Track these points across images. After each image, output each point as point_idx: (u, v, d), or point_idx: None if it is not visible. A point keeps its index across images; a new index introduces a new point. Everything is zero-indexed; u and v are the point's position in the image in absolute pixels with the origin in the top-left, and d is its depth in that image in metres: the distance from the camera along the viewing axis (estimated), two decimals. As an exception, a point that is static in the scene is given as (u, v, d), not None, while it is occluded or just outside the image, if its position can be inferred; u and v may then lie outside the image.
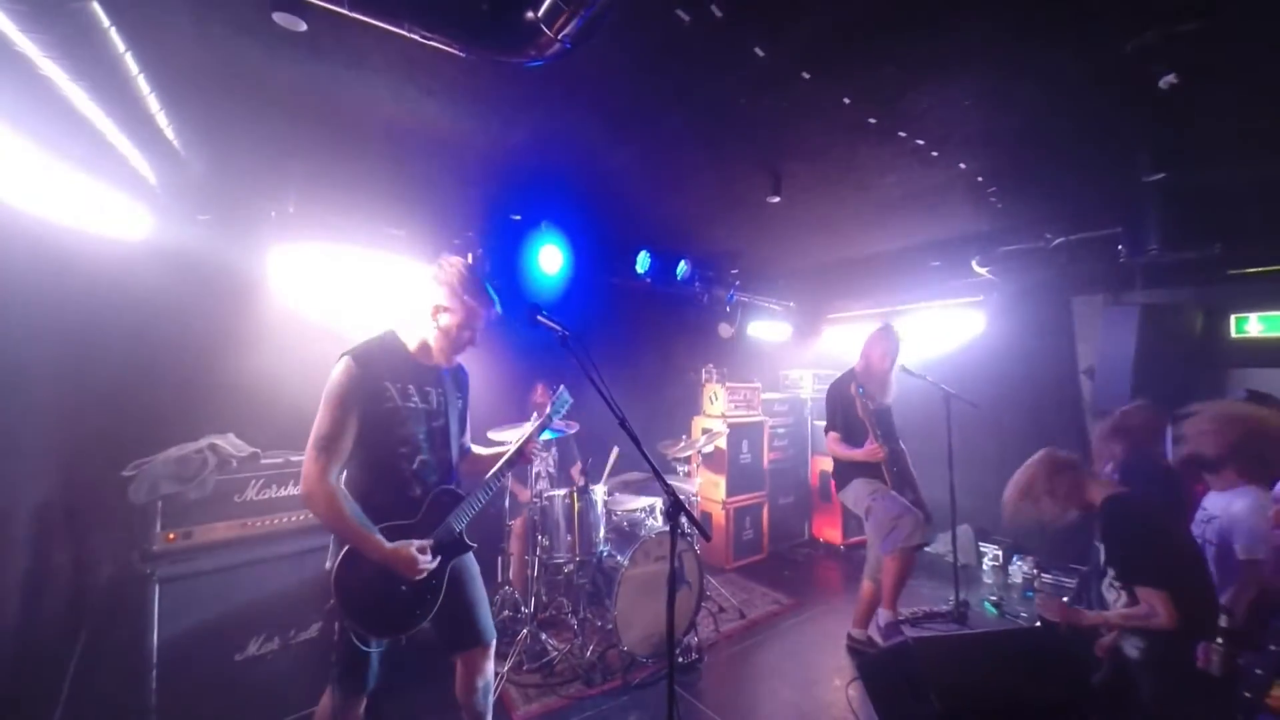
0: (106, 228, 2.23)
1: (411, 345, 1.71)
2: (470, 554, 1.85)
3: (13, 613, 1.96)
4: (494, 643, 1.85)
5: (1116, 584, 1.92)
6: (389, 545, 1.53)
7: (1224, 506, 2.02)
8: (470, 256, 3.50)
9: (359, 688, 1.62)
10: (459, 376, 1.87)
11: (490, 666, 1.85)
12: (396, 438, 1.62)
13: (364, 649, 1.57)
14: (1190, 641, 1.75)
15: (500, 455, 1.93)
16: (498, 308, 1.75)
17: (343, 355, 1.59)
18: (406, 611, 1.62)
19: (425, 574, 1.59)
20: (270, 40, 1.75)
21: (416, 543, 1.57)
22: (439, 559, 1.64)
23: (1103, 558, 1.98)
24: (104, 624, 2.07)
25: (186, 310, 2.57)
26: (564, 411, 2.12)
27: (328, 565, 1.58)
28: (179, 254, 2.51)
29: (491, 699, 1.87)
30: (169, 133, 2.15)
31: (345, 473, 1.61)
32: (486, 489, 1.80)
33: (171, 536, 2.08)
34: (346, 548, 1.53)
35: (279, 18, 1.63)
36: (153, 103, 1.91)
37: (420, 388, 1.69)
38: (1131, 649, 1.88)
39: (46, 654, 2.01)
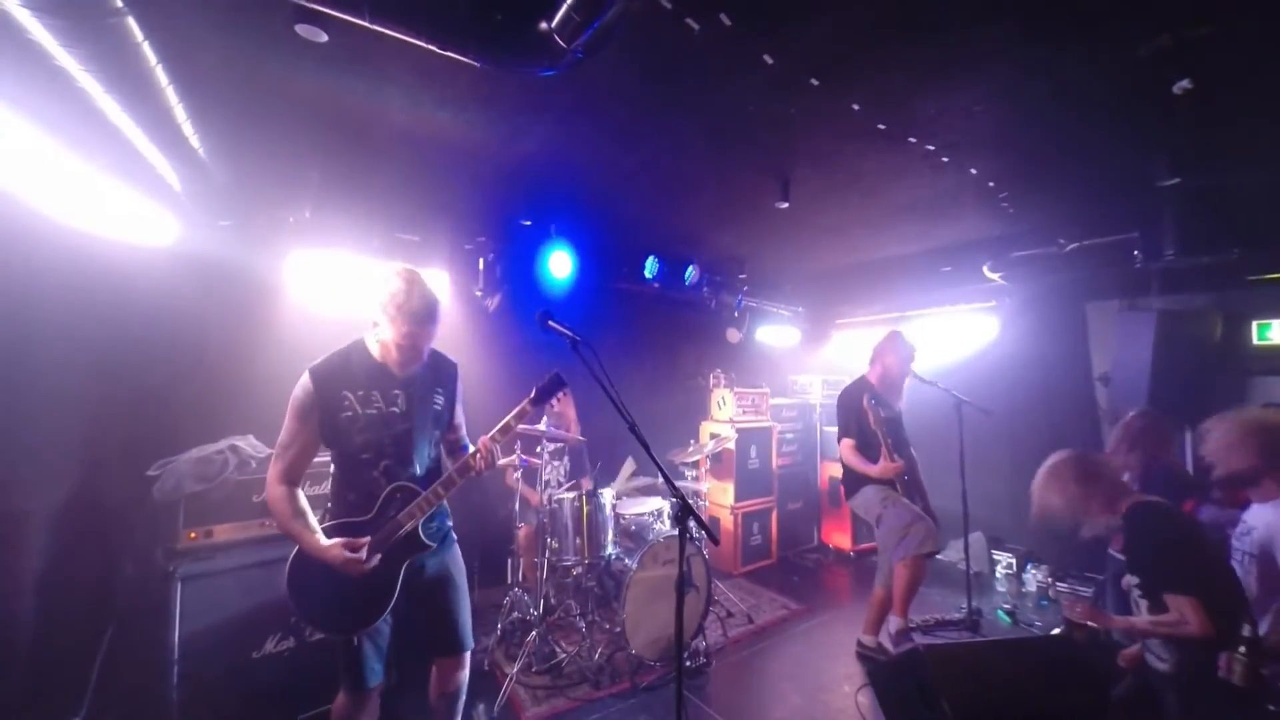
0: (133, 233, 2.31)
1: (375, 353, 1.72)
2: (451, 559, 1.85)
3: (43, 607, 2.02)
4: (468, 653, 1.85)
5: (1139, 591, 1.87)
6: (321, 543, 1.58)
7: (1264, 518, 1.96)
8: (481, 262, 3.55)
9: (358, 684, 1.68)
10: (438, 374, 1.83)
11: (463, 676, 1.85)
12: (357, 444, 1.67)
13: (353, 645, 1.65)
14: (1220, 653, 1.71)
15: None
16: (434, 327, 1.69)
17: (306, 369, 1.67)
18: (358, 610, 1.65)
19: (368, 571, 1.61)
20: (292, 51, 1.80)
21: (345, 540, 1.59)
22: (379, 556, 1.64)
23: (1125, 566, 1.94)
24: (130, 619, 2.12)
25: (208, 314, 2.65)
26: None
27: None
28: (201, 259, 2.58)
29: (460, 705, 1.87)
30: (194, 141, 2.21)
31: (331, 476, 1.76)
32: (444, 486, 1.74)
33: (193, 535, 2.14)
34: (298, 547, 1.63)
35: (301, 29, 1.68)
36: (180, 112, 1.98)
37: (386, 393, 1.70)
38: (1160, 662, 1.83)
39: (75, 647, 2.07)
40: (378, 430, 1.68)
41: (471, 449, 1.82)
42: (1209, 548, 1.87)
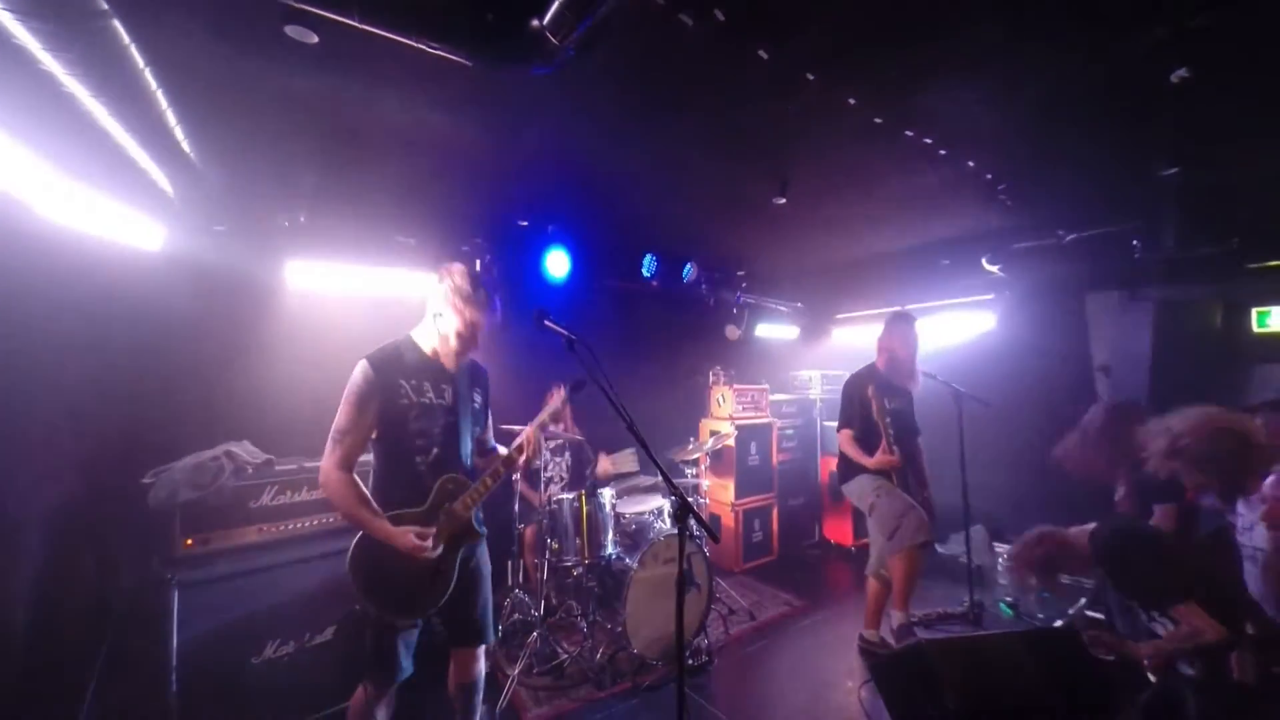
0: (127, 238, 2.29)
1: (426, 348, 1.80)
2: (484, 552, 1.90)
3: (40, 617, 2.01)
4: (485, 646, 1.89)
5: (1156, 614, 1.84)
6: (390, 529, 1.62)
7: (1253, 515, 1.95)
8: (478, 263, 3.53)
9: (387, 678, 1.71)
10: (475, 375, 1.93)
11: (479, 668, 1.90)
12: (412, 431, 1.72)
13: (386, 638, 1.67)
14: (1230, 654, 1.68)
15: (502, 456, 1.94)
16: (497, 315, 1.81)
17: (362, 359, 1.71)
18: (418, 595, 1.69)
19: (431, 559, 1.66)
20: (283, 53, 1.79)
21: (416, 529, 1.64)
22: (442, 546, 1.70)
23: (1117, 595, 1.91)
24: (127, 627, 2.11)
25: (202, 319, 2.63)
26: None
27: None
28: (195, 264, 2.56)
29: (479, 698, 1.93)
30: (186, 146, 2.20)
31: (373, 468, 1.78)
32: (492, 477, 1.81)
33: (190, 542, 2.13)
34: (361, 532, 1.65)
35: (291, 30, 1.67)
36: (170, 117, 1.96)
37: (436, 385, 1.78)
38: (1189, 668, 1.80)
39: (72, 656, 2.06)
40: (430, 420, 1.74)
41: (500, 449, 1.98)
42: (1184, 545, 1.85)
